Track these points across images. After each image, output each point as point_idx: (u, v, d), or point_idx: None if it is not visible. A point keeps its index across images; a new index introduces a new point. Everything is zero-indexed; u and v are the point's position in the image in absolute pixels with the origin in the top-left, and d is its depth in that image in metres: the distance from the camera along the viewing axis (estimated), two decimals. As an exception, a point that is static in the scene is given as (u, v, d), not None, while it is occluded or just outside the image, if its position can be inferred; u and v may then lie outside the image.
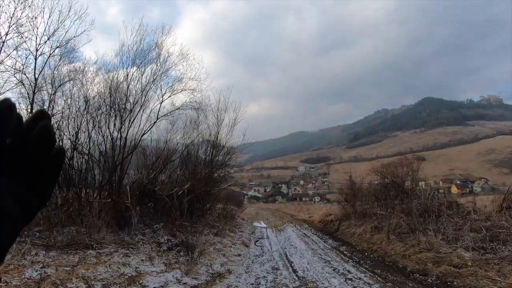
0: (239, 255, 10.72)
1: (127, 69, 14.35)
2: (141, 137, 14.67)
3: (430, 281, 7.62)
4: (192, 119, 17.14)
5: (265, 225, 23.73)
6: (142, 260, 8.35)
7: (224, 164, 18.45)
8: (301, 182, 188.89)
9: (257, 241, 14.61)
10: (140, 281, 6.75)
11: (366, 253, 11.13)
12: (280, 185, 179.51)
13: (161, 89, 15.10)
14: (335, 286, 7.33)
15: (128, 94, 14.13)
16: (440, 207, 12.58)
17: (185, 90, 15.64)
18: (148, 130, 14.90)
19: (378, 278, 8.08)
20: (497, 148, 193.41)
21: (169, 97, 15.43)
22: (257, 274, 8.55)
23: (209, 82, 19.89)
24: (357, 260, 10.17)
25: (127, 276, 7.03)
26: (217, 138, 17.30)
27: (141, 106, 14.80)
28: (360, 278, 8.03)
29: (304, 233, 17.38)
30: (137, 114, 14.62)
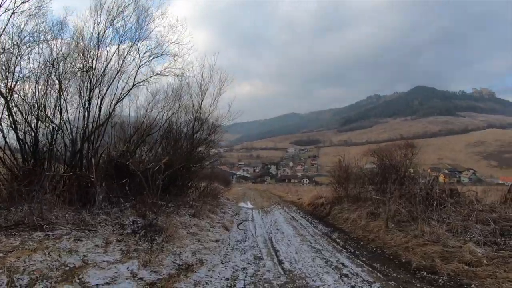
0: (217, 240, 9.26)
1: (101, 29, 12.65)
2: (115, 105, 13.09)
3: (442, 282, 6.26)
4: (174, 89, 15.57)
5: (251, 206, 22.43)
6: (96, 245, 6.85)
7: (207, 140, 16.88)
8: (291, 164, 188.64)
9: (241, 223, 13.21)
10: (80, 276, 5.27)
11: (362, 242, 9.74)
12: (269, 166, 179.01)
13: (138, 52, 13.43)
14: (329, 286, 5.91)
15: (102, 58, 12.51)
16: (441, 194, 11.24)
17: (165, 54, 14.04)
18: (123, 98, 13.32)
19: (378, 274, 6.70)
20: (486, 140, 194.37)
21: (147, 61, 13.82)
22: (236, 265, 7.14)
23: (192, 45, 18.07)
24: (352, 251, 8.79)
25: (67, 268, 5.55)
26: (200, 108, 15.68)
27: (118, 72, 13.24)
28: (357, 274, 6.65)
29: (292, 216, 16.01)
30: (113, 81, 13.10)
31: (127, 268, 5.92)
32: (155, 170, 12.67)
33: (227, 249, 8.67)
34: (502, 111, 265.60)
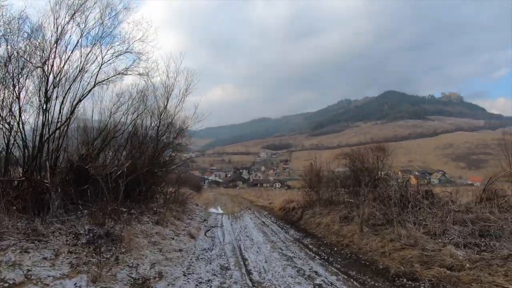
0: (181, 250, 8.58)
1: (60, 23, 11.88)
2: (76, 105, 12.37)
3: (424, 289, 5.88)
4: (139, 90, 14.88)
5: (221, 212, 21.82)
6: (44, 258, 6.14)
7: (173, 143, 16.20)
8: (263, 168, 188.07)
9: (208, 230, 12.58)
10: (17, 295, 4.57)
11: (336, 248, 9.26)
12: (241, 170, 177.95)
13: (101, 50, 12.74)
14: (301, 299, 5.42)
15: (62, 54, 11.79)
16: (416, 196, 11.00)
17: (129, 52, 13.38)
18: (84, 97, 12.61)
19: (355, 283, 6.25)
20: (455, 143, 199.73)
21: (110, 59, 13.15)
22: (200, 278, 6.54)
23: (157, 43, 17.32)
24: (325, 257, 8.30)
25: (6, 285, 4.88)
26: (165, 110, 15.01)
27: (80, 70, 12.52)
28: (332, 284, 6.18)
29: (263, 222, 15.47)
30: (74, 79, 12.37)
31: (75, 284, 5.24)
32: (117, 175, 11.99)
33: (191, 259, 8.04)
34: (470, 115, 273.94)
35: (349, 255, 8.47)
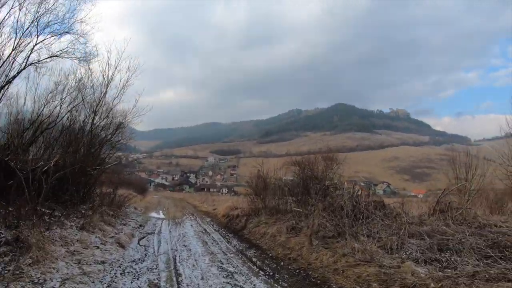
0: (104, 262, 7.38)
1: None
2: (2, 87, 11.02)
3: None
4: (77, 78, 13.56)
5: (162, 216, 20.58)
6: None
7: (109, 140, 14.87)
8: (210, 173, 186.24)
9: (143, 238, 11.39)
10: None
11: (282, 263, 8.35)
12: (188, 174, 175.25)
13: (37, 26, 11.47)
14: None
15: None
16: (367, 207, 10.49)
17: (68, 33, 12.19)
18: (12, 80, 11.26)
19: (304, 308, 5.45)
20: (400, 156, 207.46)
21: (46, 39, 11.89)
22: (121, 298, 5.47)
23: (99, 26, 16.02)
24: (271, 273, 7.40)
25: None
26: (103, 99, 13.71)
27: (14, 49, 11.20)
28: (276, 308, 5.33)
29: (204, 229, 14.41)
30: (7, 59, 11.00)
31: None
32: (43, 171, 10.61)
33: (115, 273, 6.89)
34: (415, 130, 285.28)
35: (297, 271, 7.58)
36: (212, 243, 11.11)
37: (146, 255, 8.95)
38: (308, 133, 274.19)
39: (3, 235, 6.98)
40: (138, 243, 10.51)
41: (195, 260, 8.45)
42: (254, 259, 8.75)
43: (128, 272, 7.09)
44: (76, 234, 8.74)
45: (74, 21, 12.06)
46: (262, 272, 7.46)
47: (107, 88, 13.92)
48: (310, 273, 7.35)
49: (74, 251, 7.43)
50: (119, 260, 7.94)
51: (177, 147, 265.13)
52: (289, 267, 7.97)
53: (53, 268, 6.15)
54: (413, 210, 11.48)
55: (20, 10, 10.99)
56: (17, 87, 12.49)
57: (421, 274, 6.04)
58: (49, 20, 11.71)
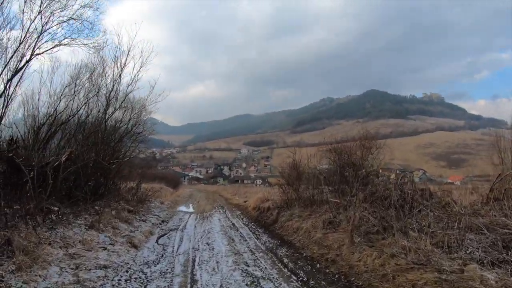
0: (106, 266, 6.26)
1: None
2: (9, 81, 10.23)
3: None
4: (90, 68, 12.78)
5: (191, 210, 19.60)
6: None
7: (131, 132, 13.97)
8: (244, 165, 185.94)
9: (163, 235, 10.31)
10: None
11: (319, 265, 7.03)
12: (222, 167, 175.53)
13: (40, 14, 10.64)
14: None
15: None
16: (414, 196, 8.95)
17: (73, 19, 11.31)
18: (18, 72, 10.55)
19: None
20: (435, 142, 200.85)
21: (51, 27, 11.13)
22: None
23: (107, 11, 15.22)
24: (305, 279, 6.10)
25: None
26: (115, 86, 12.79)
27: (21, 42, 10.42)
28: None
29: (232, 224, 13.23)
30: (15, 53, 10.39)
31: None
32: (54, 166, 9.75)
33: (119, 280, 5.79)
34: (450, 115, 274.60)
35: (336, 276, 6.24)
36: (240, 239, 9.92)
37: (162, 256, 7.87)
38: (341, 121, 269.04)
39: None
40: (157, 241, 9.42)
41: (217, 262, 7.26)
42: (285, 260, 7.46)
43: (136, 278, 6.00)
44: (83, 234, 7.73)
45: (79, 7, 11.11)
46: (294, 277, 6.18)
47: (121, 74, 13.00)
48: (352, 279, 5.98)
49: (74, 253, 6.37)
50: (127, 264, 6.85)
51: (210, 140, 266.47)
52: (327, 270, 6.62)
53: (40, 276, 5.11)
54: (464, 198, 9.73)
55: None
56: (32, 82, 11.92)
57: (491, 281, 4.64)
58: (54, 8, 10.83)
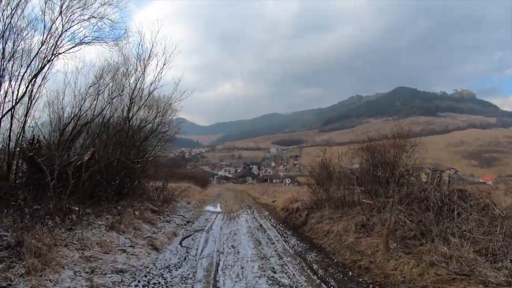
0: (123, 271, 5.88)
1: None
2: (31, 81, 10.06)
3: None
4: (113, 67, 12.61)
5: (218, 210, 19.23)
6: None
7: (152, 130, 13.71)
8: (272, 164, 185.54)
9: (188, 237, 9.93)
10: None
11: (351, 272, 6.45)
12: (251, 166, 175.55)
13: (61, 15, 10.43)
14: None
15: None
16: (451, 197, 8.20)
17: (93, 17, 11.14)
18: (40, 72, 10.36)
19: None
20: (467, 140, 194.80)
21: (71, 27, 10.94)
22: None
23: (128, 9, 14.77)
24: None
25: None
26: (138, 84, 12.57)
27: (43, 43, 10.28)
28: None
29: (260, 225, 12.74)
30: (37, 54, 10.24)
31: None
32: (76, 166, 9.53)
33: (136, 286, 5.40)
34: (482, 112, 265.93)
35: (371, 286, 5.63)
36: (267, 242, 9.41)
37: (185, 259, 7.46)
38: (370, 119, 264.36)
39: (5, 238, 5.77)
40: (180, 243, 9.04)
41: (242, 267, 6.79)
42: (315, 266, 6.91)
43: (154, 284, 5.63)
44: (102, 235, 7.40)
45: (99, 6, 10.90)
46: (324, 286, 5.64)
47: (144, 72, 12.79)
48: (387, 290, 5.35)
49: (90, 256, 6.03)
50: (147, 267, 6.46)
51: (239, 139, 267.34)
52: (360, 279, 6.03)
53: (51, 280, 4.78)
54: (502, 199, 8.81)
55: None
56: (56, 83, 11.89)
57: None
58: (75, 7, 10.67)
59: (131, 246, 7.40)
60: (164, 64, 13.23)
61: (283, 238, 10.08)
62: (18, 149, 9.70)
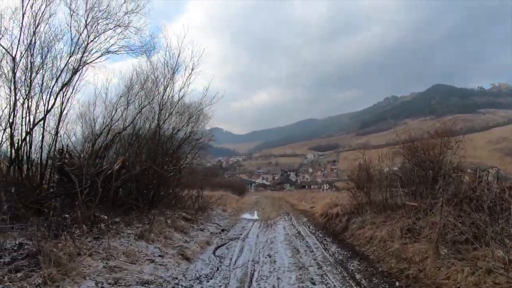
0: (149, 282, 5.44)
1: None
2: (58, 92, 10.04)
3: None
4: (138, 73, 12.57)
5: (255, 217, 18.78)
6: None
7: (186, 137, 13.48)
8: (310, 170, 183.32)
9: (222, 246, 9.49)
10: None
11: (398, 283, 5.74)
12: (288, 172, 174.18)
13: (86, 27, 10.38)
14: None
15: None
16: (503, 195, 7.29)
17: (119, 26, 11.05)
18: (67, 83, 10.26)
19: None
20: (508, 136, 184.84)
21: (97, 37, 10.86)
22: None
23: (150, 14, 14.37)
24: (383, 301, 4.94)
25: None
26: (165, 92, 12.38)
27: (71, 55, 10.50)
28: None
29: (298, 232, 12.13)
30: (65, 67, 10.30)
31: None
32: (106, 175, 9.35)
33: (163, 301, 4.99)
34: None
35: (422, 298, 4.97)
36: (306, 250, 8.81)
37: (217, 269, 7.00)
38: (407, 120, 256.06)
39: (26, 247, 5.53)
40: (214, 252, 8.60)
41: (278, 278, 6.24)
42: (357, 276, 6.26)
43: (183, 297, 5.12)
44: (130, 244, 7.06)
45: (124, 14, 10.82)
46: (370, 299, 4.96)
47: (172, 78, 12.60)
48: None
49: (115, 266, 5.65)
50: (176, 278, 6.03)
51: (275, 146, 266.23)
52: (408, 290, 5.30)
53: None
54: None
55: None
56: (87, 95, 11.95)
57: None
58: (99, 17, 10.63)
59: (160, 255, 7.00)
60: (192, 69, 13.03)
61: (322, 246, 9.46)
62: (50, 160, 9.66)
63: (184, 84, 13.04)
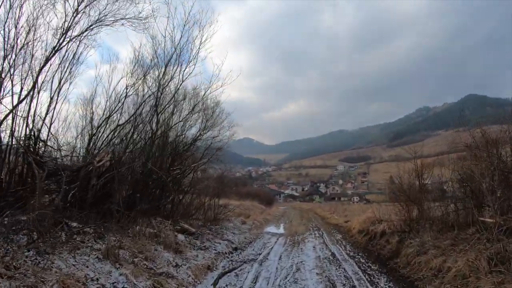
0: None
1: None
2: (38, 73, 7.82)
3: None
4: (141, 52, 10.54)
5: (281, 231, 16.34)
6: None
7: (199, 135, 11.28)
8: (340, 182, 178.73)
9: (227, 273, 7.00)
10: None
11: None
12: (318, 184, 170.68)
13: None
14: None
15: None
16: None
17: None
18: (47, 62, 8.13)
19: None
20: None
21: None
22: None
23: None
24: None
25: None
26: (164, 74, 10.16)
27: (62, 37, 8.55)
28: None
29: (332, 254, 9.51)
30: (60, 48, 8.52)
31: None
32: (88, 171, 7.15)
33: None
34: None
35: None
36: (344, 285, 6.21)
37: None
38: (439, 131, 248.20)
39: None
40: (214, 284, 6.10)
41: None
42: None
43: None
44: (87, 266, 4.71)
45: None
46: None
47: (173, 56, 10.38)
48: None
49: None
50: None
51: (305, 158, 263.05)
52: None
53: None
54: None
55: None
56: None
57: None
58: None
59: (123, 290, 4.59)
60: (200, 42, 10.76)
61: (366, 277, 6.84)
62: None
63: (192, 59, 10.85)
